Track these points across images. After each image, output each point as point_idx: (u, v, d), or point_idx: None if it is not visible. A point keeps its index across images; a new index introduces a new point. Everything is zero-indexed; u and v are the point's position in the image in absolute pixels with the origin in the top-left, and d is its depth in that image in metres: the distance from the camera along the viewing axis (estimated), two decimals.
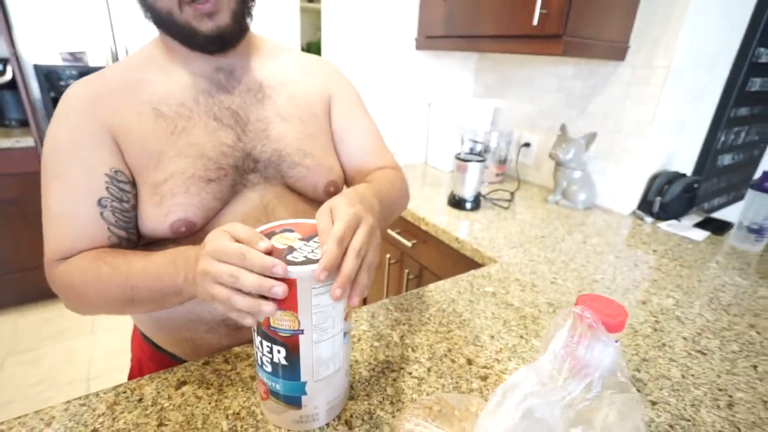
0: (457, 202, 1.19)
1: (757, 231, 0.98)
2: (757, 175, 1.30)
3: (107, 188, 0.51)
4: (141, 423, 0.47)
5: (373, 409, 0.51)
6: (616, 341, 0.49)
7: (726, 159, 1.41)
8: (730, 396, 0.55)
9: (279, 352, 0.41)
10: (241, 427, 0.47)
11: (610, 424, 0.41)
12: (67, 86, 1.63)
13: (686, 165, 1.31)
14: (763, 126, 1.48)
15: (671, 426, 0.50)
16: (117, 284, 0.48)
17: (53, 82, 1.61)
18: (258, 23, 1.71)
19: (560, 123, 1.26)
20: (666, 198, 1.14)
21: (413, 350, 0.61)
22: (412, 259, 1.24)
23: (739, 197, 1.58)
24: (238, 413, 0.49)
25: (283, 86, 0.61)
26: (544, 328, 0.68)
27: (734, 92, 1.23)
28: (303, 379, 0.43)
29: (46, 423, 0.46)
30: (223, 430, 0.46)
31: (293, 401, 0.44)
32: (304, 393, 0.44)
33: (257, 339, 0.43)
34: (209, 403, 0.50)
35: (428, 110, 1.60)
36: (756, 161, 1.57)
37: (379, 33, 1.41)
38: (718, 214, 1.38)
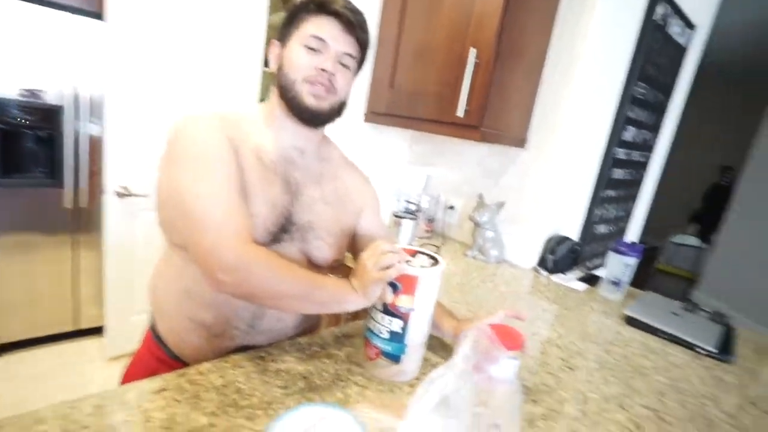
0: None
1: (615, 283, 1.28)
2: None
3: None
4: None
5: None
6: (514, 358, 0.68)
7: (601, 228, 1.79)
8: (585, 396, 0.77)
9: (397, 323, 0.68)
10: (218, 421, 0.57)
11: (499, 405, 0.59)
12: (18, 119, 1.64)
13: (573, 231, 1.64)
14: (625, 204, 1.91)
15: (544, 414, 0.69)
16: (305, 281, 0.65)
17: (4, 114, 1.62)
18: (224, 83, 1.86)
19: (479, 191, 1.54)
20: (556, 256, 1.43)
21: (357, 366, 0.75)
22: None
23: None
24: (213, 412, 0.59)
25: (333, 180, 0.81)
26: None
27: (603, 179, 1.61)
28: (405, 342, 0.69)
29: (37, 420, 0.53)
30: (203, 423, 0.56)
31: (396, 359, 0.70)
32: (404, 353, 0.70)
33: (378, 315, 0.69)
34: (189, 405, 0.59)
35: (369, 174, 1.83)
36: (623, 231, 1.99)
37: None
38: (601, 271, 1.72)
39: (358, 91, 1.70)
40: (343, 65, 0.72)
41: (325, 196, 0.79)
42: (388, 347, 0.70)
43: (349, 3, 0.72)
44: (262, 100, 2.70)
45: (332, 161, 0.83)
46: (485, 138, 1.29)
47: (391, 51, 1.56)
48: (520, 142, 1.46)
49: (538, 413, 0.69)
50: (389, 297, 0.68)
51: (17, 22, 1.58)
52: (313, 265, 0.79)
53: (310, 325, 0.89)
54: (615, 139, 1.61)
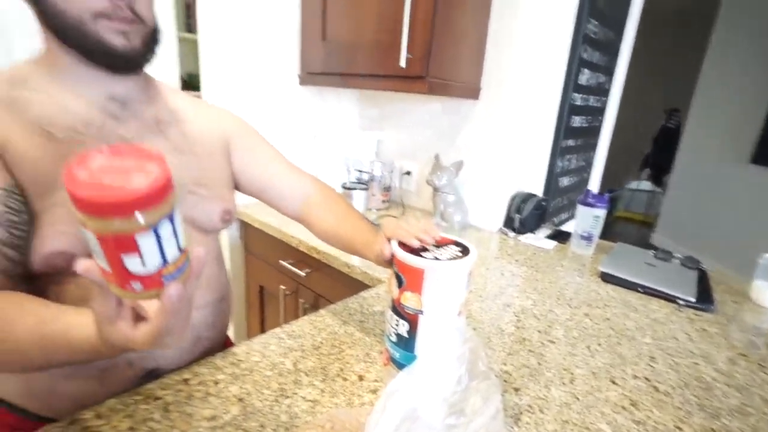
0: None
1: (587, 238, 1.21)
2: None
3: (3, 203, 0.46)
4: None
5: None
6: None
7: (565, 181, 1.72)
8: (572, 373, 0.68)
9: (403, 326, 0.55)
10: None
11: (476, 409, 0.48)
12: None
13: (537, 187, 1.56)
14: (586, 154, 1.85)
15: (530, 405, 0.59)
16: (27, 342, 0.43)
17: None
18: None
19: (434, 153, 1.41)
20: (523, 215, 1.34)
21: (306, 374, 0.62)
22: (306, 288, 1.24)
23: None
24: None
25: (178, 124, 0.63)
26: None
27: (562, 127, 1.52)
28: (416, 353, 0.55)
29: None
30: None
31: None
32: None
33: (389, 313, 0.57)
34: None
35: (314, 143, 1.65)
36: (586, 182, 1.95)
37: (262, 68, 1.43)
38: (566, 227, 1.66)
39: (289, 50, 1.49)
40: None
41: (175, 144, 0.62)
42: (395, 353, 0.58)
43: None
44: (189, 73, 2.39)
45: (165, 102, 0.64)
46: (433, 89, 1.15)
47: None
48: (473, 92, 1.33)
49: (523, 405, 0.59)
50: (394, 291, 0.55)
51: None
52: (198, 230, 0.64)
53: (221, 320, 0.73)
54: (571, 83, 1.51)
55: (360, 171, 1.43)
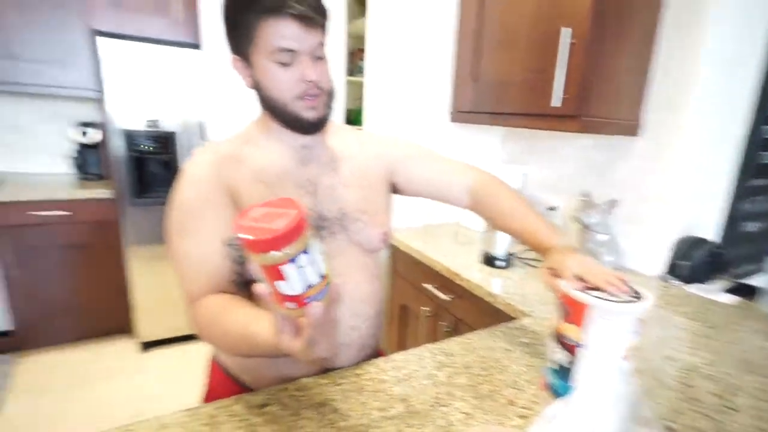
0: (489, 260, 1.28)
1: None
2: None
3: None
4: None
5: None
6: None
7: (751, 226, 1.47)
8: None
9: (561, 355, 0.59)
10: None
11: None
12: (141, 148, 1.89)
13: (711, 231, 1.37)
14: None
15: None
16: (238, 339, 0.60)
17: (133, 143, 1.87)
18: None
19: (582, 188, 1.37)
20: (692, 262, 1.20)
21: (459, 389, 0.69)
22: (447, 312, 1.31)
23: None
24: None
25: (346, 160, 0.78)
26: None
27: (751, 165, 1.32)
28: (571, 383, 0.57)
29: (162, 426, 0.56)
30: None
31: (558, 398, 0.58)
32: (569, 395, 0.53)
33: (550, 340, 0.62)
34: (289, 422, 0.59)
35: None
36: None
37: (416, 106, 1.60)
38: (754, 280, 1.41)
39: (443, 89, 1.63)
40: (319, 57, 0.67)
41: (343, 179, 0.76)
42: (552, 380, 0.62)
43: None
44: (349, 109, 2.78)
45: (337, 140, 0.79)
46: (587, 128, 1.13)
47: (472, 42, 1.48)
48: (630, 129, 1.26)
49: None
50: (557, 320, 0.60)
51: (132, 61, 1.82)
52: (364, 251, 0.77)
53: (379, 332, 0.84)
54: (763, 115, 1.31)
55: None
